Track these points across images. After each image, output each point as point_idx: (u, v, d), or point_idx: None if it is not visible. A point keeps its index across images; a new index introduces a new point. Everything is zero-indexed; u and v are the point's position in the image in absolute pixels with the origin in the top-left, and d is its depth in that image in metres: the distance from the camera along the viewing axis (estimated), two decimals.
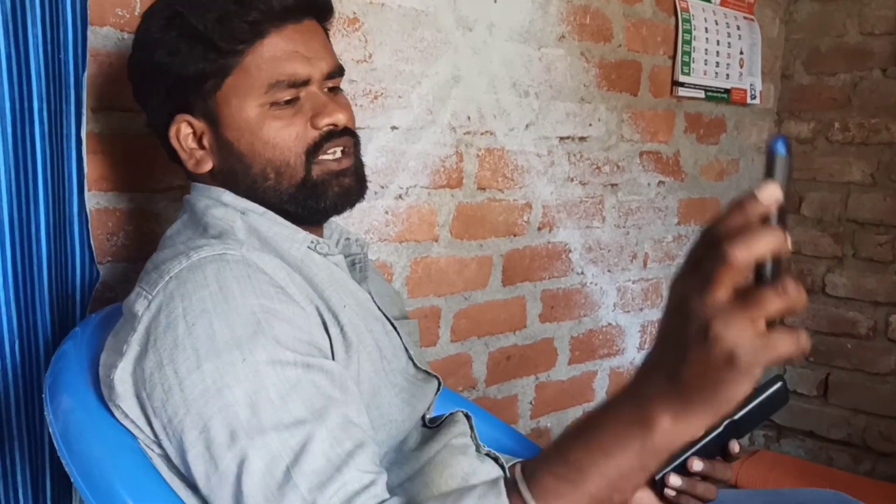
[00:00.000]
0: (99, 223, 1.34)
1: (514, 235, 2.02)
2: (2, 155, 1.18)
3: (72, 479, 0.92)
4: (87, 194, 1.27)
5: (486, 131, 1.91)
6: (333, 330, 0.98)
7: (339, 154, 1.05)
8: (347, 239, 1.17)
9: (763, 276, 0.61)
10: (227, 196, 1.05)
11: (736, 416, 0.96)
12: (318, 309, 0.98)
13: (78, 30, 1.23)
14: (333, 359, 0.96)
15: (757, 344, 0.58)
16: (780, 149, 0.60)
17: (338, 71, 1.07)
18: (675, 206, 2.49)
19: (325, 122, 1.02)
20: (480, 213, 1.93)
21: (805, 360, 2.86)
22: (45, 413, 0.99)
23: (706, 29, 2.43)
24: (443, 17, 1.79)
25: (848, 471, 2.74)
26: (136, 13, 1.33)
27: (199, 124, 1.04)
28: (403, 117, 1.75)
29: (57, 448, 0.95)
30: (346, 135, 1.06)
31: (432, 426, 1.13)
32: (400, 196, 1.77)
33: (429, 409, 1.14)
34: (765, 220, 0.59)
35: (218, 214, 1.03)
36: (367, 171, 1.65)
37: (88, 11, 1.24)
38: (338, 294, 1.03)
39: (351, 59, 1.64)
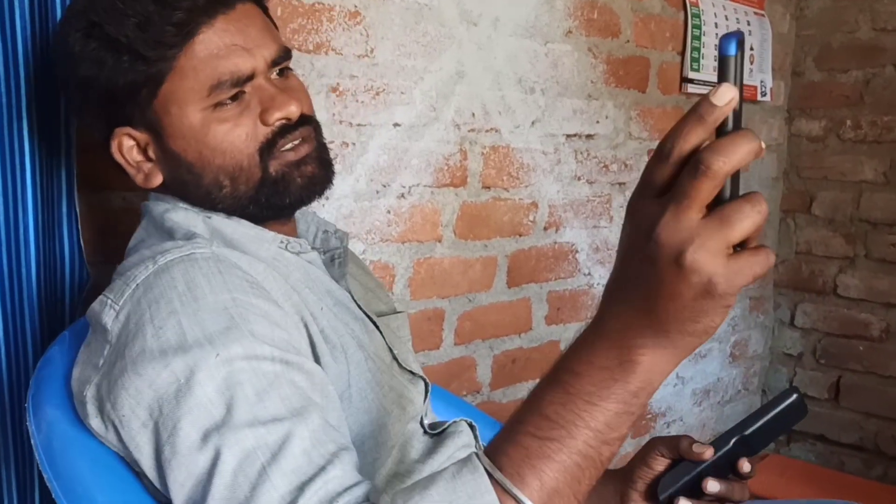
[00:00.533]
0: (90, 223, 1.30)
1: (520, 235, 1.97)
2: None
3: (54, 496, 0.87)
4: (76, 194, 1.23)
5: (491, 128, 1.86)
6: (314, 330, 0.93)
7: (297, 143, 0.97)
8: (326, 232, 1.11)
9: (722, 194, 0.58)
10: (184, 203, 1.00)
11: (746, 432, 0.91)
12: (297, 308, 0.93)
13: None
14: (318, 363, 0.92)
15: (732, 268, 0.56)
16: (731, 49, 0.57)
17: (284, 55, 0.98)
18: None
19: (276, 117, 0.94)
20: (485, 213, 1.88)
21: (816, 363, 2.81)
22: (28, 424, 0.94)
23: (716, 24, 2.37)
24: (446, 10, 1.74)
25: (859, 476, 2.69)
26: None
27: (142, 136, 0.96)
28: (406, 114, 1.70)
29: (39, 462, 0.90)
30: (303, 125, 0.97)
31: (433, 433, 1.08)
32: (402, 195, 1.72)
33: (425, 413, 1.09)
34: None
35: (178, 218, 0.97)
36: (369, 169, 1.65)
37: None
38: (315, 295, 0.98)
39: (352, 53, 1.59)
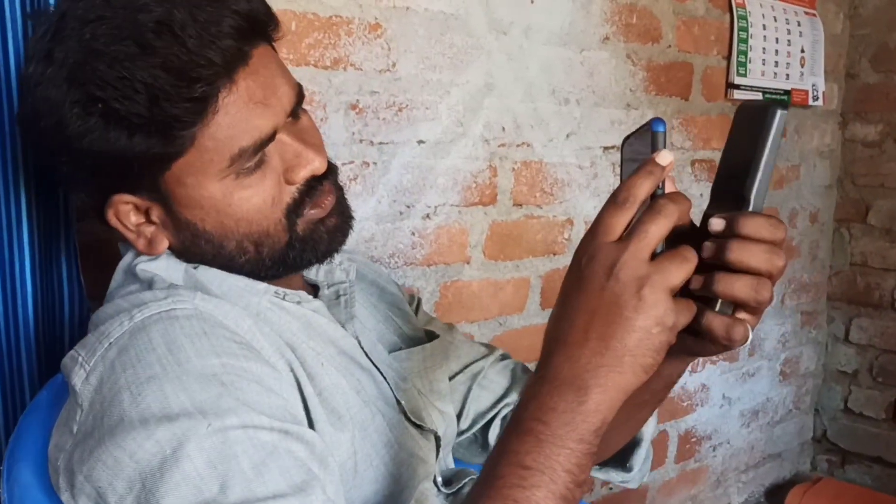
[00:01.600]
0: (91, 255, 1.23)
1: (554, 254, 1.87)
2: None
3: None
4: (74, 227, 1.16)
5: (523, 143, 1.77)
6: (308, 392, 0.85)
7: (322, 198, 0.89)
8: (330, 262, 1.00)
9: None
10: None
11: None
12: (290, 366, 0.84)
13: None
14: (312, 426, 0.83)
15: (676, 306, 0.66)
16: (661, 126, 0.69)
17: (299, 100, 0.88)
18: None
19: (302, 175, 0.86)
20: (517, 232, 1.79)
21: (872, 381, 2.67)
22: (1, 488, 0.87)
23: (764, 26, 2.25)
24: (474, 20, 1.65)
25: None
26: None
27: (144, 202, 0.86)
28: (431, 130, 1.61)
29: None
30: (327, 178, 0.89)
31: (449, 490, 0.99)
32: (427, 215, 1.63)
33: (439, 470, 1.00)
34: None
35: (156, 268, 0.88)
36: (392, 190, 1.56)
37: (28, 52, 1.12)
38: (314, 348, 0.89)
39: (373, 68, 1.51)
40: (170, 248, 0.88)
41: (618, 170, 1.94)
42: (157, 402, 0.72)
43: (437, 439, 1.01)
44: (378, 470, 0.90)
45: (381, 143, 1.54)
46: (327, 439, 0.83)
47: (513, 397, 1.12)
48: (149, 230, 0.87)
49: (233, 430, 0.71)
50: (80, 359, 0.79)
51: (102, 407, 0.75)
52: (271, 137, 0.84)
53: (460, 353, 1.15)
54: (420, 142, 1.60)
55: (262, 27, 0.85)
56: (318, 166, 0.86)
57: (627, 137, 0.72)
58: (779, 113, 0.69)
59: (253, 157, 0.83)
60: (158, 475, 0.69)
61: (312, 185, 0.87)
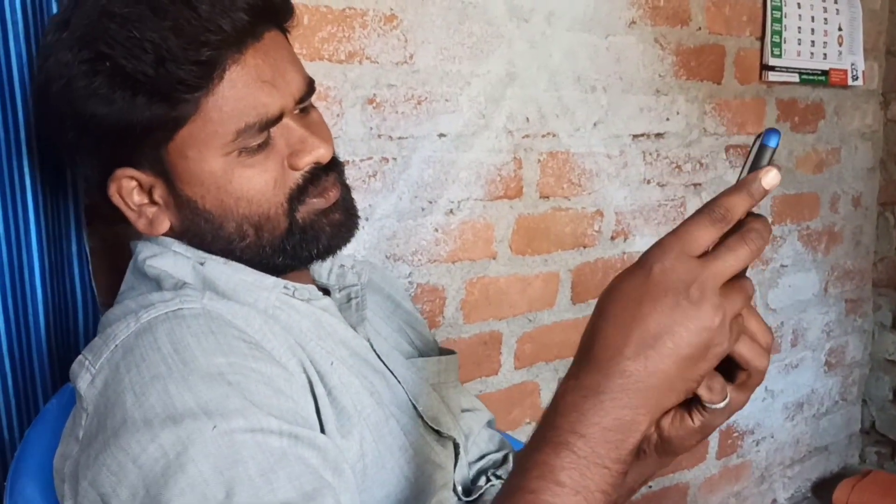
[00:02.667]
0: (104, 260, 1.21)
1: (584, 247, 1.82)
2: None
3: None
4: (85, 231, 1.14)
5: (548, 133, 1.72)
6: (319, 392, 0.82)
7: (327, 189, 0.88)
8: (342, 267, 0.99)
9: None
10: (179, 245, 0.88)
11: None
12: (302, 365, 0.82)
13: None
14: (322, 430, 0.80)
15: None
16: (774, 141, 0.64)
17: (309, 90, 0.88)
18: (769, 204, 2.25)
19: (306, 161, 0.85)
20: (544, 225, 1.74)
21: None
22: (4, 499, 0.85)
23: (798, 4, 2.18)
24: (494, 7, 1.60)
25: None
26: None
27: (147, 178, 0.85)
28: (452, 123, 1.57)
29: None
30: (332, 170, 0.88)
31: (468, 499, 0.94)
32: (451, 211, 1.59)
33: (459, 478, 0.96)
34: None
35: (164, 265, 0.86)
36: (413, 185, 1.52)
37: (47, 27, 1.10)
38: (324, 347, 0.86)
39: (389, 61, 1.47)
40: (171, 229, 0.87)
41: (649, 158, 1.89)
42: (160, 402, 0.70)
43: (456, 446, 0.97)
44: (392, 473, 0.87)
45: (400, 138, 1.51)
46: (336, 443, 0.80)
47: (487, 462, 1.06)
48: (150, 210, 0.87)
49: (240, 433, 0.69)
50: (86, 363, 0.78)
51: (106, 409, 0.73)
52: (278, 118, 0.83)
53: (466, 393, 1.12)
54: (441, 135, 1.56)
55: (277, 12, 0.86)
56: (323, 153, 0.85)
57: (759, 135, 0.66)
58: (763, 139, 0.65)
59: (258, 135, 0.82)
60: (163, 482, 0.67)
61: (317, 175, 0.86)
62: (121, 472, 0.69)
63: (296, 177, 0.85)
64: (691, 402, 0.68)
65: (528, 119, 1.69)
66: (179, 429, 0.68)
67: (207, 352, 0.74)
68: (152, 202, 0.86)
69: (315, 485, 0.69)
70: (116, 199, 0.86)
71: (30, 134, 1.07)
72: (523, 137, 1.68)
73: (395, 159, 1.50)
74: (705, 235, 0.61)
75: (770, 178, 0.62)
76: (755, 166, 0.64)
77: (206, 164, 0.82)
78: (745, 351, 0.65)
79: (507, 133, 1.66)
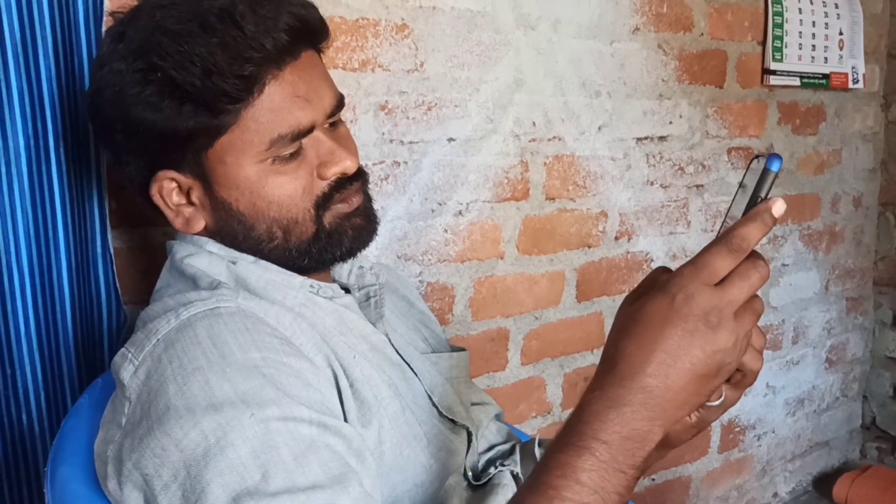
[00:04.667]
0: (130, 261, 1.26)
1: (589, 247, 1.87)
2: (18, 197, 1.12)
3: None
4: (110, 233, 1.20)
5: (554, 137, 1.77)
6: (343, 384, 0.88)
7: (350, 196, 0.95)
8: (361, 267, 1.06)
9: None
10: (213, 245, 0.94)
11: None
12: (328, 360, 0.88)
13: (93, 59, 1.15)
14: (346, 419, 0.86)
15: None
16: (776, 165, 0.68)
17: (339, 105, 0.95)
18: None
19: (333, 171, 0.92)
20: (550, 226, 1.79)
21: None
22: (44, 487, 0.90)
23: (800, 10, 2.22)
24: (501, 16, 1.65)
25: None
26: None
27: (186, 180, 0.92)
28: (461, 128, 1.62)
29: None
30: (356, 180, 0.95)
31: (476, 483, 1.00)
32: (460, 212, 1.65)
33: (470, 464, 1.01)
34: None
35: (201, 264, 0.93)
36: (423, 188, 1.58)
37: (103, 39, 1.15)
38: (346, 342, 0.92)
39: (401, 68, 1.52)
40: (205, 228, 0.94)
41: (652, 160, 1.93)
42: (201, 391, 0.75)
43: (469, 435, 1.03)
44: (408, 459, 0.92)
45: (411, 143, 1.56)
46: (371, 430, 0.87)
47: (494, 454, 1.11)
48: (187, 210, 0.93)
49: (274, 421, 0.74)
50: (129, 355, 0.83)
51: (150, 398, 0.78)
52: (309, 130, 0.90)
53: (476, 388, 1.17)
54: (450, 139, 1.61)
55: (315, 34, 0.93)
56: (349, 165, 0.92)
57: (756, 157, 0.71)
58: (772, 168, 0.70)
59: (290, 144, 0.89)
60: (203, 463, 0.72)
61: (342, 183, 0.93)
62: (164, 454, 0.74)
63: (322, 185, 0.92)
64: None
65: (534, 123, 1.73)
66: (219, 416, 0.74)
67: (243, 347, 0.79)
68: (189, 203, 0.93)
69: (342, 470, 0.74)
70: (157, 199, 0.93)
71: (57, 142, 1.13)
72: (530, 141, 1.73)
73: (406, 163, 1.55)
74: (724, 266, 0.67)
75: (778, 207, 0.68)
76: (758, 189, 0.69)
77: (241, 169, 0.89)
78: (744, 355, 0.71)
79: (515, 137, 1.71)
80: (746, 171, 0.71)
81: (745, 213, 0.70)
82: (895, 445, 2.71)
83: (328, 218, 0.93)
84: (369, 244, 0.98)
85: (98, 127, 0.97)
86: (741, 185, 0.71)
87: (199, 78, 0.84)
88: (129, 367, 0.82)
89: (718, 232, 0.71)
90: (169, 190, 0.92)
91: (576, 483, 0.66)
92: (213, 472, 0.72)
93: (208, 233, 0.95)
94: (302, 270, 0.95)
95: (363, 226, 0.97)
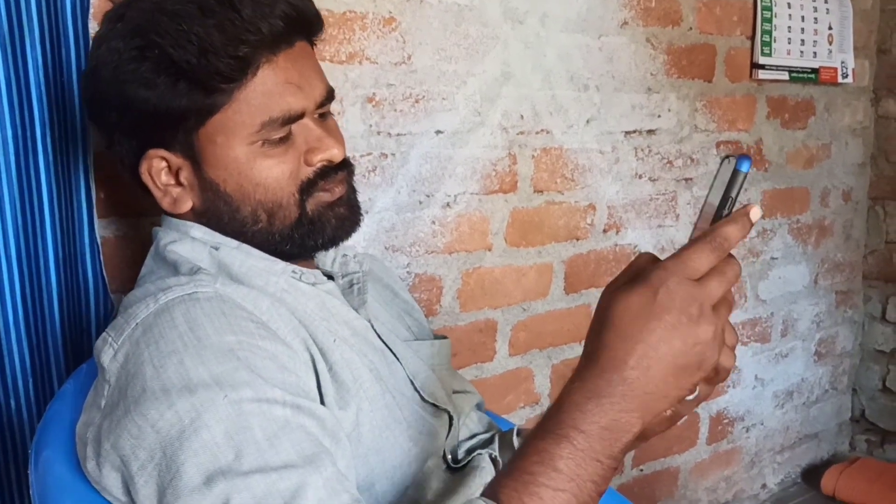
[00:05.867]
0: (116, 250, 1.28)
1: (577, 239, 1.89)
2: (6, 187, 1.13)
3: None
4: (97, 223, 1.21)
5: (542, 130, 1.78)
6: (321, 367, 0.89)
7: (334, 185, 0.97)
8: (345, 256, 1.08)
9: None
10: (197, 230, 0.96)
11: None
12: (305, 344, 0.89)
13: (80, 50, 1.17)
14: (322, 402, 0.87)
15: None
16: (745, 166, 0.71)
17: (329, 96, 0.97)
18: (758, 199, 2.31)
19: (319, 158, 0.94)
20: (538, 218, 1.80)
21: None
22: (30, 470, 0.92)
23: (789, 5, 2.23)
24: (489, 10, 1.66)
25: None
26: None
27: (177, 159, 0.94)
28: (448, 120, 1.64)
29: None
30: (342, 169, 0.97)
31: (455, 466, 1.02)
32: (448, 204, 1.66)
33: (450, 447, 1.03)
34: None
35: (182, 250, 0.94)
36: (411, 180, 1.59)
37: (90, 30, 1.17)
38: (328, 326, 0.94)
39: (388, 61, 1.54)
40: (192, 209, 0.96)
41: (640, 154, 1.95)
42: (176, 373, 0.77)
43: (451, 418, 1.05)
44: (387, 441, 0.94)
45: (398, 135, 1.57)
46: (348, 412, 0.88)
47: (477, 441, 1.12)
48: (175, 191, 0.95)
49: (248, 402, 0.76)
50: (109, 339, 0.85)
51: (127, 380, 0.80)
52: (299, 117, 0.93)
53: (458, 376, 1.19)
54: (438, 132, 1.63)
55: (309, 24, 0.96)
56: (336, 153, 0.95)
57: (727, 157, 0.74)
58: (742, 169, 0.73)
59: (280, 128, 0.91)
60: (178, 444, 0.74)
61: (327, 172, 0.95)
62: (140, 435, 0.76)
63: (308, 171, 0.94)
64: None
65: (522, 116, 1.75)
66: (194, 398, 0.75)
67: (219, 330, 0.81)
68: (178, 183, 0.95)
69: (315, 450, 0.76)
70: (146, 178, 0.95)
71: (44, 132, 1.14)
72: (518, 134, 1.75)
73: (393, 155, 1.57)
74: (706, 263, 0.69)
75: (755, 213, 0.70)
76: (729, 189, 0.72)
77: (231, 150, 0.91)
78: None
79: (503, 130, 1.72)
80: (718, 171, 0.73)
81: (717, 212, 0.73)
82: (884, 438, 2.73)
83: (311, 204, 0.95)
84: (352, 234, 1.00)
85: (92, 106, 0.98)
86: (713, 184, 0.74)
87: (195, 56, 0.86)
88: (109, 351, 0.84)
89: (693, 230, 0.74)
90: (158, 169, 0.94)
91: (552, 470, 0.67)
92: (188, 453, 0.73)
93: (195, 214, 0.96)
94: (285, 256, 0.96)
95: (346, 216, 0.98)
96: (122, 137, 0.95)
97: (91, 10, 1.17)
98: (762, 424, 2.48)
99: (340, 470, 0.77)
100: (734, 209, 0.72)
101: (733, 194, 0.72)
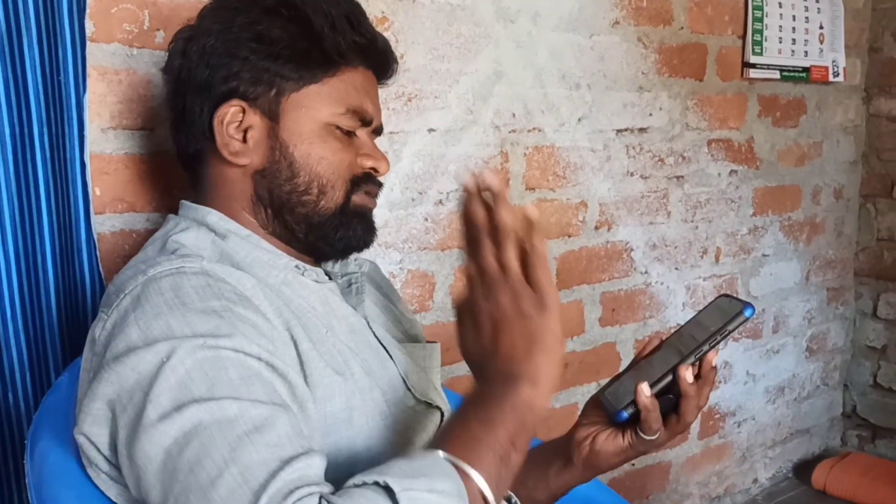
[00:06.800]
0: (114, 246, 1.30)
1: (569, 236, 1.91)
2: (3, 183, 1.15)
3: None
4: (93, 219, 1.23)
5: (534, 128, 1.81)
6: (305, 347, 0.92)
7: (373, 194, 1.06)
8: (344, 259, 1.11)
9: None
10: (214, 217, 0.99)
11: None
12: (287, 325, 0.92)
13: (77, 49, 1.19)
14: (306, 379, 0.90)
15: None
16: (751, 313, 0.81)
17: (381, 130, 1.09)
18: (750, 196, 2.33)
19: (371, 163, 1.03)
20: None
21: None
22: (26, 460, 0.94)
23: (780, 4, 2.25)
24: (481, 9, 1.68)
25: None
26: (146, 27, 1.27)
27: (254, 117, 0.99)
28: (441, 119, 1.66)
29: (30, 499, 0.90)
30: (380, 186, 1.07)
31: None
32: (440, 201, 1.68)
33: None
34: None
35: (185, 239, 0.97)
36: (404, 177, 1.61)
37: (86, 30, 1.19)
38: (324, 320, 0.97)
39: None
40: (248, 166, 1.00)
41: (632, 152, 1.97)
42: (161, 332, 0.80)
43: (443, 415, 1.07)
44: (373, 429, 0.96)
45: (391, 133, 1.59)
46: (325, 381, 0.91)
47: None
48: (236, 144, 0.99)
49: (224, 349, 0.79)
50: (101, 314, 0.88)
51: (110, 339, 0.83)
52: (369, 122, 1.04)
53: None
54: (430, 130, 1.65)
55: (388, 68, 1.09)
56: (384, 166, 1.05)
57: (727, 297, 0.85)
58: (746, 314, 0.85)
59: (355, 121, 1.01)
60: (154, 378, 0.77)
61: (372, 177, 1.05)
62: (120, 381, 0.79)
63: (359, 170, 1.02)
64: (627, 426, 0.86)
65: (514, 115, 1.77)
66: (174, 342, 0.79)
67: (204, 298, 0.84)
68: (243, 141, 0.99)
69: (283, 401, 0.79)
70: (217, 124, 0.99)
71: (41, 129, 1.16)
72: (510, 132, 1.77)
73: (386, 153, 1.56)
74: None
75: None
76: (728, 325, 0.82)
77: (312, 122, 0.99)
78: (686, 407, 0.85)
79: (495, 128, 1.74)
80: (714, 303, 0.83)
81: (711, 337, 0.84)
82: (875, 433, 2.75)
83: (355, 200, 1.02)
84: (364, 249, 1.06)
85: (207, 28, 1.01)
86: (705, 311, 0.85)
87: (327, 26, 0.97)
88: (101, 324, 0.87)
89: (666, 338, 0.91)
90: (231, 120, 0.99)
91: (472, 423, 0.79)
92: (163, 386, 0.76)
93: (247, 174, 1.00)
94: (297, 244, 1.01)
95: (370, 229, 1.06)
96: (216, 78, 0.99)
97: (87, 10, 1.19)
98: (754, 419, 2.50)
99: (303, 430, 0.79)
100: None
101: (731, 329, 0.82)
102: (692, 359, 0.85)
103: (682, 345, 0.88)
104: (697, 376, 0.92)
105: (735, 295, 0.84)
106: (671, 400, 0.87)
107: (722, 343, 0.83)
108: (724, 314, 0.83)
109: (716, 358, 0.87)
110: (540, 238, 0.81)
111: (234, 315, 0.83)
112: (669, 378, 0.84)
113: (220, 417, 0.74)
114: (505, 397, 0.79)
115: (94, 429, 0.82)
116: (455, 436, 0.78)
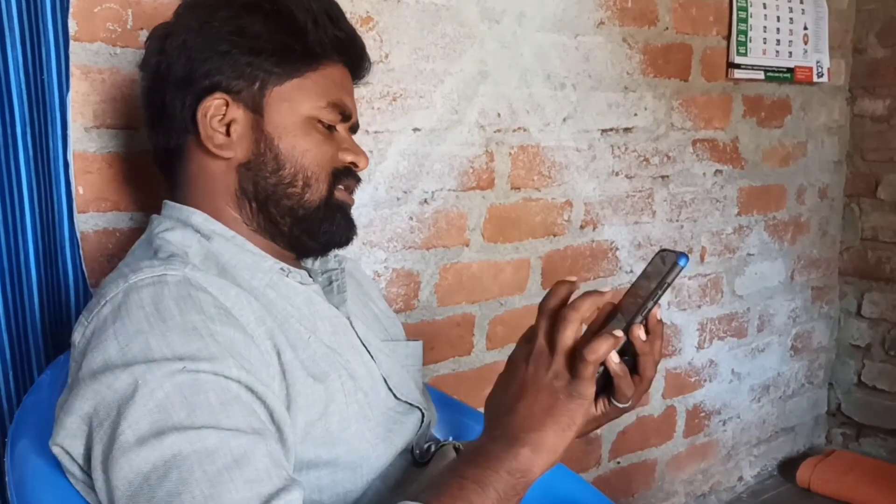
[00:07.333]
0: (98, 245, 1.30)
1: (554, 236, 1.92)
2: None
3: None
4: (77, 218, 1.23)
5: (519, 128, 1.81)
6: (287, 358, 0.91)
7: (352, 189, 1.07)
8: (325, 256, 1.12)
9: None
10: (198, 217, 0.99)
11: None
12: (270, 334, 0.91)
13: (60, 49, 1.19)
14: (288, 391, 0.90)
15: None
16: (685, 262, 0.80)
17: (357, 127, 1.11)
18: (735, 196, 2.34)
19: (352, 157, 1.05)
20: (515, 215, 1.83)
21: (885, 355, 2.68)
22: (5, 460, 0.94)
23: (764, 5, 2.26)
24: (466, 10, 1.69)
25: None
26: (129, 27, 1.28)
27: (237, 111, 0.99)
28: (426, 118, 1.66)
29: (10, 498, 0.90)
30: (359, 180, 1.09)
31: (422, 462, 1.04)
32: (425, 201, 1.69)
33: (427, 444, 1.06)
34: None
35: (172, 238, 0.97)
36: (389, 177, 1.62)
37: (70, 30, 1.19)
38: (307, 324, 0.97)
39: None
40: (231, 160, 1.00)
41: (617, 151, 1.98)
42: (140, 351, 0.80)
43: (423, 415, 1.07)
44: (352, 434, 0.96)
45: (376, 132, 1.60)
46: (306, 390, 0.91)
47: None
48: (220, 138, 1.00)
49: (205, 373, 0.79)
50: (83, 319, 0.88)
51: (87, 350, 0.83)
52: (348, 118, 1.06)
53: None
54: (415, 129, 1.65)
55: (363, 67, 1.11)
56: (363, 161, 1.06)
57: (664, 251, 0.83)
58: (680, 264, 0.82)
59: (336, 114, 1.03)
60: (132, 401, 0.77)
61: (351, 171, 1.06)
62: (96, 397, 0.79)
63: (339, 164, 1.04)
64: (598, 396, 0.85)
65: (499, 115, 1.78)
66: (154, 366, 0.79)
67: (184, 311, 0.84)
68: (227, 134, 1.00)
69: (262, 426, 0.80)
70: (200, 117, 0.99)
71: (24, 129, 1.16)
72: (495, 132, 1.77)
73: (371, 152, 1.59)
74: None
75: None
76: (666, 277, 0.81)
77: (294, 114, 1.00)
78: (644, 364, 0.85)
79: (480, 128, 1.75)
80: (651, 262, 0.83)
81: (653, 293, 0.82)
82: (860, 431, 2.77)
83: (336, 195, 1.03)
84: (346, 244, 1.07)
85: (193, 20, 1.01)
86: (645, 271, 0.84)
87: (310, 22, 0.99)
88: (80, 329, 0.87)
89: (620, 301, 0.85)
90: (214, 113, 0.99)
91: (461, 478, 0.81)
92: (142, 409, 0.76)
93: (232, 167, 1.00)
94: (281, 239, 1.02)
95: (351, 224, 1.07)
96: (200, 70, 0.98)
97: (70, 10, 1.20)
98: (739, 418, 2.52)
99: (282, 455, 0.80)
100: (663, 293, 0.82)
101: (669, 280, 0.81)
102: (639, 318, 0.86)
103: (631, 305, 0.89)
104: (647, 332, 0.92)
105: (672, 248, 0.85)
106: (629, 361, 0.88)
107: (664, 297, 0.84)
108: (662, 268, 0.83)
109: (659, 311, 0.86)
110: (604, 344, 0.81)
111: (214, 333, 0.83)
112: (624, 339, 0.85)
113: (199, 448, 0.74)
114: (503, 461, 0.80)
115: (68, 441, 0.82)
116: (447, 494, 0.79)
